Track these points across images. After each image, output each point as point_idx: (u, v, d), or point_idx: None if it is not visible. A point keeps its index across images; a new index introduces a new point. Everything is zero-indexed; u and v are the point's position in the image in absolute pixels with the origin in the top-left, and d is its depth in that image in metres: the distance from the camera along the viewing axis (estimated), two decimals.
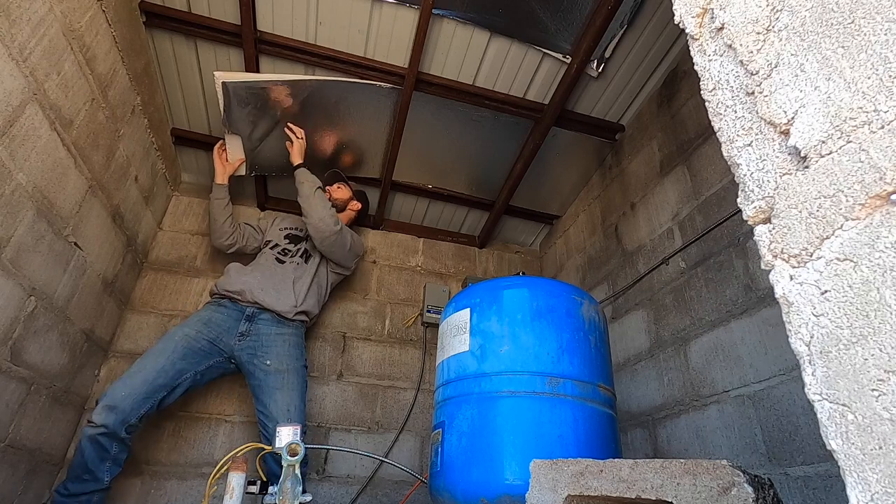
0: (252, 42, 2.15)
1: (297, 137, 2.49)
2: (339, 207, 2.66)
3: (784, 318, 0.47)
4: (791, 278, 0.47)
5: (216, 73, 2.22)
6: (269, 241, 2.58)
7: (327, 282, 2.58)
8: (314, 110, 2.47)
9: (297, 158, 2.46)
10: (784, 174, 0.48)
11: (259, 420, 2.13)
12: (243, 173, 2.66)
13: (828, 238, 0.43)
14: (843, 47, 0.44)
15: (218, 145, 2.54)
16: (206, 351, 2.14)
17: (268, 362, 2.16)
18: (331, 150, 2.75)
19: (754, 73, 0.52)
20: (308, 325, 2.49)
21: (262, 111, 2.43)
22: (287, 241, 2.58)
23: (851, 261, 0.41)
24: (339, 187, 2.71)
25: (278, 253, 2.51)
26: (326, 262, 2.56)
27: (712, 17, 0.59)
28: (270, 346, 2.21)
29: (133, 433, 1.88)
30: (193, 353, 2.09)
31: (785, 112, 0.48)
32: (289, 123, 2.50)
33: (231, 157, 2.56)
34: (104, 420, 1.78)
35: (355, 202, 2.76)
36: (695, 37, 0.62)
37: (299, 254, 2.53)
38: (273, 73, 2.33)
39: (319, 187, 2.40)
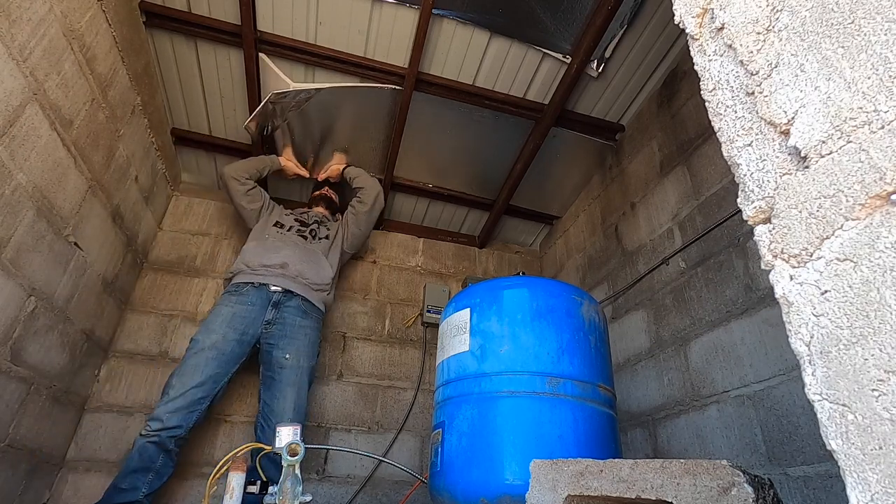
0: (252, 42, 2.15)
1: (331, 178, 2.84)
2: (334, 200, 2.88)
3: (784, 318, 0.47)
4: (791, 278, 0.47)
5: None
6: (279, 223, 2.59)
7: (339, 264, 2.65)
8: (315, 111, 2.47)
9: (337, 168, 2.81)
10: (784, 174, 0.48)
11: (262, 413, 2.13)
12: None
13: (828, 238, 0.43)
14: (843, 47, 0.44)
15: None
16: (236, 353, 2.15)
17: (287, 356, 2.16)
18: (331, 151, 2.75)
19: (754, 73, 0.52)
20: (323, 317, 2.46)
21: (272, 114, 2.47)
22: (300, 224, 2.62)
23: (851, 261, 0.41)
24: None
25: (298, 233, 2.55)
26: (339, 244, 2.64)
27: (712, 17, 0.59)
28: (292, 339, 2.20)
29: (181, 447, 1.99)
30: (226, 359, 2.11)
31: (785, 112, 0.48)
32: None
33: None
34: (153, 430, 1.90)
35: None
36: (695, 37, 0.62)
37: (317, 237, 2.59)
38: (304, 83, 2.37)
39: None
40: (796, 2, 0.49)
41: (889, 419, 0.36)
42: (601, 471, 0.81)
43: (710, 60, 0.59)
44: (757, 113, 0.52)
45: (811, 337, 0.44)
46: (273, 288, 2.28)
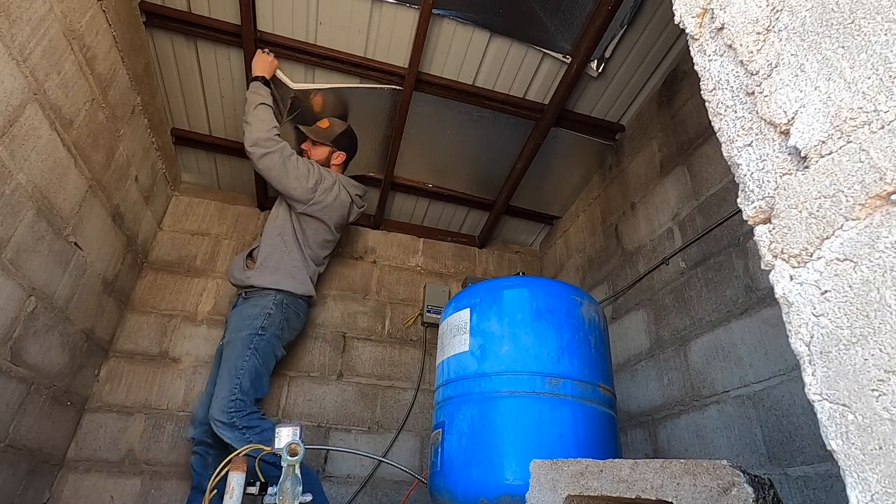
0: (252, 42, 2.15)
1: (262, 51, 2.17)
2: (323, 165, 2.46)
3: (784, 318, 0.47)
4: (791, 278, 0.47)
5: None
6: None
7: (294, 236, 2.31)
8: (315, 111, 2.47)
9: (256, 71, 2.16)
10: (784, 174, 0.48)
11: None
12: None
13: (828, 238, 0.43)
14: (843, 47, 0.44)
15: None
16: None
17: (222, 341, 2.24)
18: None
19: (754, 73, 0.52)
20: (273, 291, 2.21)
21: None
22: None
23: (851, 261, 0.41)
24: (312, 145, 2.49)
25: None
26: (288, 209, 2.32)
27: (712, 17, 0.59)
28: (227, 327, 2.24)
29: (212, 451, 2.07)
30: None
31: (785, 112, 0.48)
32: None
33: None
34: (190, 434, 2.13)
35: (338, 154, 2.51)
36: (695, 37, 0.62)
37: None
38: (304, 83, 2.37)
39: (263, 104, 2.14)
40: (796, 2, 0.49)
41: (889, 419, 0.36)
42: (601, 471, 0.81)
43: (710, 60, 0.59)
44: (757, 113, 0.52)
45: (811, 337, 0.44)
46: None
